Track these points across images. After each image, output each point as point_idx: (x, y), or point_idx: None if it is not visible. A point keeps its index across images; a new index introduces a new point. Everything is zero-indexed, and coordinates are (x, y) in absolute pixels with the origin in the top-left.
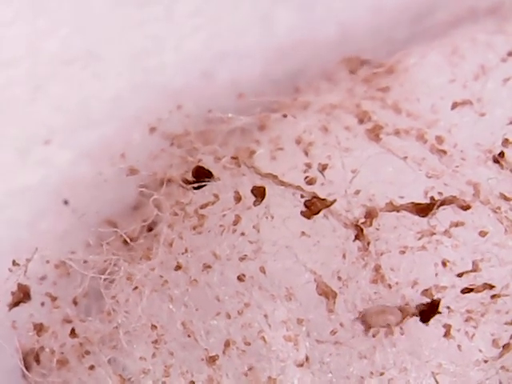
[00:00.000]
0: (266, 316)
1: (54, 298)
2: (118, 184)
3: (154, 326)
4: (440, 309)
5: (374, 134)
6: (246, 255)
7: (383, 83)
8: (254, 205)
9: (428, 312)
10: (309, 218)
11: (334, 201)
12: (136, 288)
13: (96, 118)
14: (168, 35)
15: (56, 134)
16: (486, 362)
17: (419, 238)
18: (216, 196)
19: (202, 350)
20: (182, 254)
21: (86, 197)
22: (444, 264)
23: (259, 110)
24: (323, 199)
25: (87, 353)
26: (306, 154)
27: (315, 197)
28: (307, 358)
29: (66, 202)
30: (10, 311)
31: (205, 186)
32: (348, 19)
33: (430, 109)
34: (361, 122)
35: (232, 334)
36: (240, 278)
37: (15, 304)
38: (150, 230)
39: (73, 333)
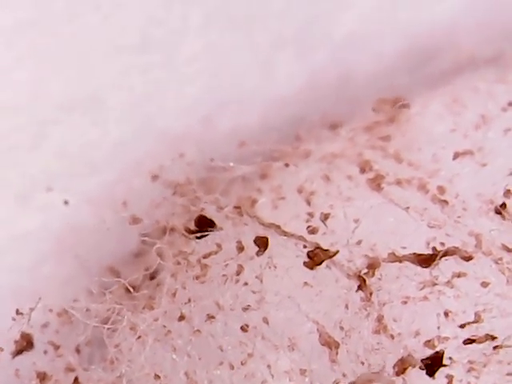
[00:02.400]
0: (269, 366)
1: (56, 347)
2: (120, 231)
3: (157, 376)
4: (444, 361)
5: (376, 183)
6: (249, 305)
7: (384, 132)
8: (257, 255)
9: (433, 365)
10: (312, 268)
11: (337, 252)
12: (139, 337)
13: (97, 165)
14: (168, 81)
15: (57, 180)
16: None
17: (421, 289)
18: (219, 246)
19: None
20: (185, 303)
21: (88, 243)
22: (446, 314)
23: (260, 158)
24: (326, 250)
25: None
26: (308, 203)
27: (318, 247)
28: None
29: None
30: (14, 359)
31: (207, 235)
32: (349, 65)
33: (431, 158)
34: (362, 171)
35: None
36: (243, 329)
37: (18, 352)
38: (152, 278)
39: (76, 381)
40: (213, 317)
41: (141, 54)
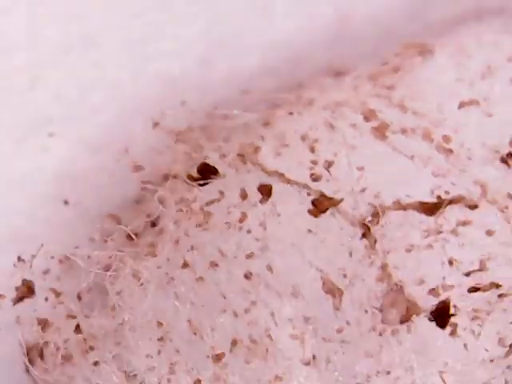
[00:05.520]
0: (272, 314)
1: (57, 294)
2: (121, 178)
3: (159, 323)
4: (451, 310)
5: (380, 132)
6: (252, 253)
7: (389, 81)
8: (261, 203)
9: (442, 316)
10: (316, 216)
11: (342, 200)
12: (141, 284)
13: (95, 106)
14: (166, 23)
15: (55, 124)
16: (492, 361)
17: (426, 237)
18: (221, 193)
19: (208, 348)
20: (188, 251)
21: (88, 189)
22: (451, 263)
23: (264, 106)
24: (331, 198)
25: (91, 348)
26: (312, 150)
27: (323, 195)
28: (314, 357)
29: (66, 202)
30: (15, 306)
31: (210, 182)
32: (348, 8)
33: (436, 108)
34: (367, 119)
35: (238, 331)
36: (246, 276)
37: (19, 299)
38: (153, 225)
39: (77, 328)
40: (216, 264)
41: None
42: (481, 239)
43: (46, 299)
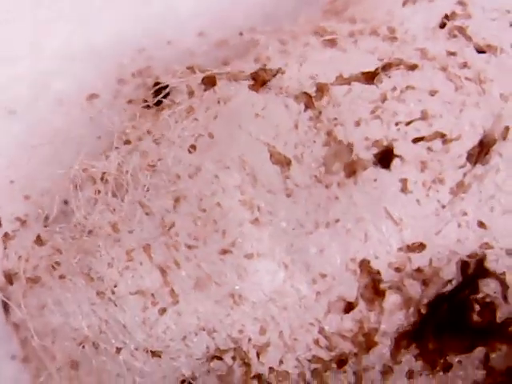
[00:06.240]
0: (216, 177)
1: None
2: None
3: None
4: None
5: (331, 42)
6: (199, 135)
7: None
8: (204, 91)
9: (386, 158)
10: (257, 91)
11: (280, 69)
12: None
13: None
14: None
15: None
16: (443, 207)
17: (372, 110)
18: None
19: (157, 221)
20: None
21: None
22: (396, 124)
23: None
24: (269, 69)
25: (57, 264)
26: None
27: (262, 69)
28: (262, 216)
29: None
30: None
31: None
32: None
33: (385, 12)
34: (318, 36)
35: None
36: (190, 151)
37: None
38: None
39: (38, 240)
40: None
41: None
42: (425, 100)
43: None
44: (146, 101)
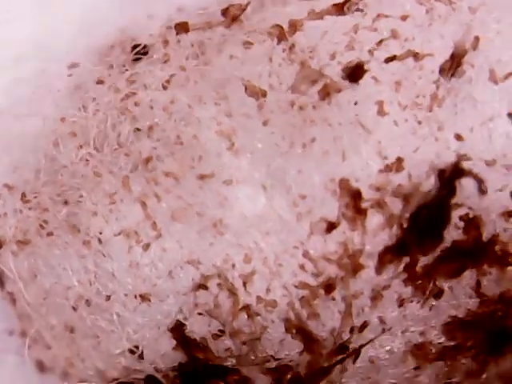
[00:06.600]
0: (189, 106)
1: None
2: None
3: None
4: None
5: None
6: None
7: None
8: (177, 35)
9: (355, 72)
10: (229, 26)
11: (249, 3)
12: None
13: None
14: None
15: None
16: (420, 123)
17: (347, 45)
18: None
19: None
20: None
21: None
22: (370, 52)
23: None
24: (239, 4)
25: (45, 222)
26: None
27: (231, 4)
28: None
29: None
30: None
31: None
32: None
33: None
34: None
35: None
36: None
37: None
38: None
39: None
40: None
41: None
42: (398, 26)
43: None
44: (124, 65)
